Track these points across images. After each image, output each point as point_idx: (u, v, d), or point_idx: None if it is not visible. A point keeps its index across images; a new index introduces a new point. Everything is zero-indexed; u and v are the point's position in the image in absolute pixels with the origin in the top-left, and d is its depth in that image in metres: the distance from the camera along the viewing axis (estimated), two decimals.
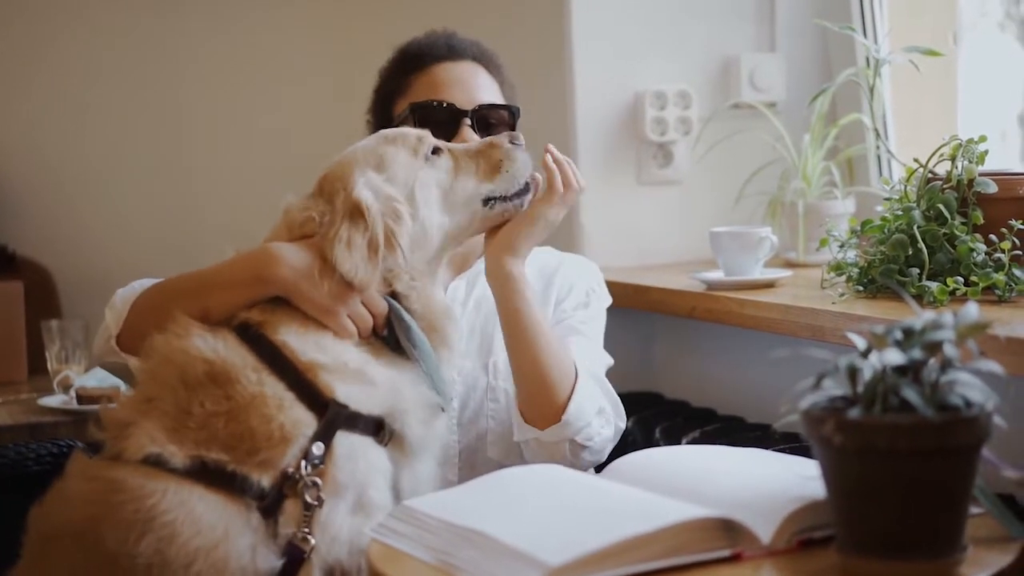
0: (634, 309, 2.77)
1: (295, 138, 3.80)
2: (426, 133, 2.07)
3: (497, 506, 1.66)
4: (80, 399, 2.87)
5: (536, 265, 2.38)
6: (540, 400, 2.08)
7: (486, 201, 2.06)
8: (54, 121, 3.72)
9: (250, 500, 1.81)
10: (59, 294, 3.59)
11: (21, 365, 3.22)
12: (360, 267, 1.91)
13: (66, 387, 2.96)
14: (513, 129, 2.32)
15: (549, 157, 2.12)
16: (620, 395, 2.39)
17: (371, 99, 2.43)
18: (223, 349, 1.87)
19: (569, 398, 2.07)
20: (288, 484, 1.82)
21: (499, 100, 2.34)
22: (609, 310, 2.49)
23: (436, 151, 2.05)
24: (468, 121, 2.28)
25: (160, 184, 3.78)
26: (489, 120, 2.30)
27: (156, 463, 1.80)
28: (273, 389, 1.84)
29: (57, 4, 3.70)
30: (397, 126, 2.34)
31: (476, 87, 2.32)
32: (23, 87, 3.71)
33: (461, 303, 2.29)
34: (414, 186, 2.01)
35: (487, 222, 2.09)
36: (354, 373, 1.89)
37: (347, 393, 1.87)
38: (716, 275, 2.57)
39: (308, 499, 1.82)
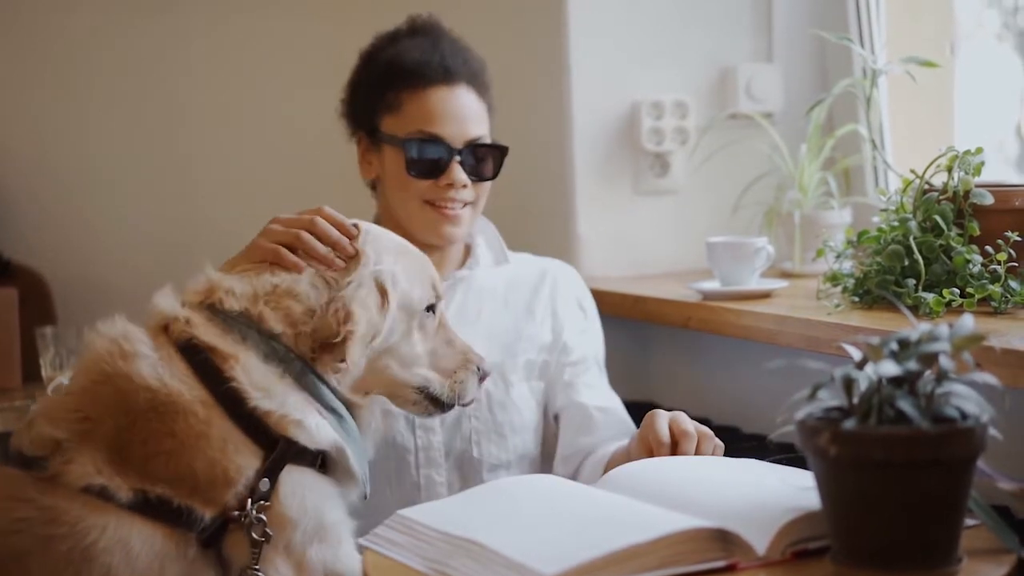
0: (630, 319, 2.77)
1: (294, 141, 3.80)
2: (439, 284, 2.01)
3: (492, 516, 1.66)
4: None
5: (518, 271, 2.41)
6: None
7: (419, 389, 1.97)
8: (49, 126, 3.72)
9: (191, 533, 1.74)
10: (54, 300, 3.58)
11: (15, 372, 3.21)
12: (375, 325, 1.87)
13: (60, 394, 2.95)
14: (498, 167, 2.35)
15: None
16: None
17: (348, 97, 2.42)
18: (169, 377, 1.77)
19: None
20: (232, 520, 1.76)
21: (486, 130, 2.37)
22: (605, 320, 2.50)
23: (431, 308, 1.99)
24: (459, 158, 2.31)
25: (157, 190, 3.78)
26: (478, 157, 2.34)
27: (100, 494, 1.72)
28: (220, 429, 1.76)
29: (53, 5, 3.69)
30: (382, 142, 2.33)
31: (468, 119, 2.33)
32: (19, 91, 3.70)
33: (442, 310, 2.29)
34: (412, 325, 1.96)
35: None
36: (298, 422, 1.80)
37: (297, 434, 1.80)
38: (712, 285, 2.57)
39: (255, 535, 1.75)
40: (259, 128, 3.83)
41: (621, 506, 1.66)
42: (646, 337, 3.03)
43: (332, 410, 1.85)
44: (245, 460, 1.77)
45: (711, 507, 1.62)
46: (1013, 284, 2.10)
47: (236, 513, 1.75)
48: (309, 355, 1.85)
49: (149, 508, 1.73)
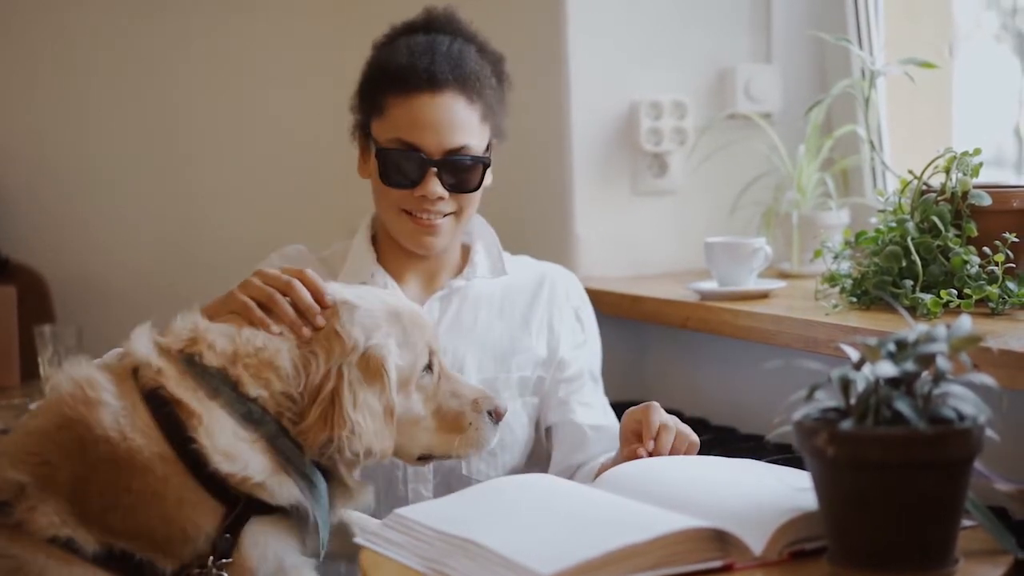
0: (628, 319, 2.77)
1: (294, 141, 3.80)
2: (434, 339, 1.97)
3: (490, 515, 1.66)
4: None
5: (516, 277, 2.38)
6: None
7: (422, 458, 1.97)
8: (47, 126, 3.72)
9: None
10: (52, 299, 3.58)
11: (14, 370, 3.21)
12: (382, 434, 1.84)
13: None
14: (480, 180, 2.28)
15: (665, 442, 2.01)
16: (613, 405, 2.40)
17: (357, 89, 2.37)
18: (130, 429, 1.73)
19: None
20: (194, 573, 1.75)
21: (475, 138, 2.27)
22: (602, 320, 2.50)
23: (429, 366, 1.95)
24: (435, 170, 2.24)
25: (155, 188, 3.78)
26: (457, 168, 2.26)
27: (66, 546, 1.70)
28: (177, 488, 1.73)
29: (52, 6, 3.69)
30: (369, 145, 2.31)
31: (451, 128, 2.25)
32: (17, 92, 3.70)
33: (435, 322, 2.28)
34: (410, 389, 1.92)
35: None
36: (257, 485, 1.77)
37: (259, 492, 1.78)
38: (710, 286, 2.57)
39: None
40: (258, 128, 3.83)
41: (618, 506, 1.66)
42: (644, 337, 3.03)
43: (304, 476, 1.81)
44: (203, 518, 1.75)
45: (708, 507, 1.62)
46: (1011, 285, 2.11)
47: (197, 570, 1.74)
48: (287, 418, 1.82)
49: (113, 561, 1.72)
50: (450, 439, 1.96)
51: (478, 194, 2.30)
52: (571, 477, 2.27)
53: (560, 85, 3.02)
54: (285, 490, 1.79)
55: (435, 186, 2.24)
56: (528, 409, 2.33)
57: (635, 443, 2.01)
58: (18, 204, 3.68)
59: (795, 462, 1.67)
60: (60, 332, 3.03)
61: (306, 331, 1.86)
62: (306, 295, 1.89)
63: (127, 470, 1.72)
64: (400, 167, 2.25)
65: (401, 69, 2.27)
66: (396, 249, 2.35)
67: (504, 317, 2.34)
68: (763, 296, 2.52)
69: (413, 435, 1.94)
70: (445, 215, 2.27)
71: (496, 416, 1.98)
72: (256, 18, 3.82)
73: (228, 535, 1.76)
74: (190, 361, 1.81)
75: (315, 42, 3.81)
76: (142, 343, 1.84)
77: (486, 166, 2.29)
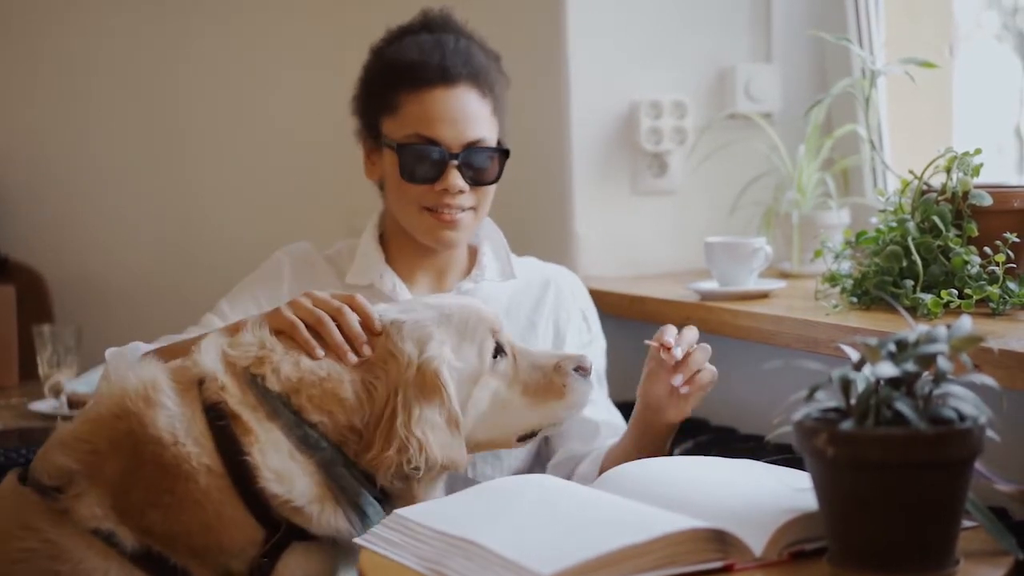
0: (628, 319, 2.77)
1: (294, 141, 3.80)
2: (499, 329, 1.95)
3: (489, 516, 1.66)
4: (71, 404, 2.86)
5: (522, 279, 2.38)
6: None
7: (524, 435, 1.97)
8: (47, 125, 3.72)
9: None
10: (51, 298, 3.58)
11: (12, 370, 3.21)
12: (450, 446, 1.83)
13: (57, 392, 2.95)
14: (499, 171, 2.30)
15: (697, 358, 2.02)
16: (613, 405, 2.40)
17: (357, 93, 2.38)
18: (183, 435, 1.74)
19: None
20: None
21: (490, 131, 2.29)
22: (602, 320, 2.50)
23: (500, 350, 1.94)
24: (455, 162, 2.25)
25: (155, 188, 3.78)
26: (476, 162, 2.27)
27: (107, 539, 1.72)
28: (217, 503, 1.74)
29: (52, 6, 3.69)
30: (382, 144, 2.31)
31: (467, 121, 2.27)
32: (16, 92, 3.70)
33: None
34: (471, 391, 1.90)
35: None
36: (297, 510, 1.77)
37: (303, 522, 1.78)
38: (710, 286, 2.57)
39: None
40: (258, 128, 3.83)
41: (618, 506, 1.66)
42: (644, 337, 3.02)
43: (355, 506, 1.80)
44: (242, 536, 1.76)
45: (708, 507, 1.62)
46: (1011, 285, 2.10)
47: None
48: (351, 449, 1.81)
49: (150, 562, 1.73)
50: (550, 408, 1.95)
51: (494, 189, 2.31)
52: (575, 466, 2.26)
53: (560, 85, 3.02)
54: (325, 519, 1.78)
55: (456, 179, 2.24)
56: None
57: (662, 359, 2.00)
58: (17, 204, 3.68)
59: (795, 462, 1.67)
60: (59, 332, 3.03)
61: (351, 357, 1.84)
62: (355, 322, 1.87)
63: (171, 474, 1.73)
64: (420, 162, 2.25)
65: (413, 65, 2.28)
66: (405, 249, 2.34)
67: (511, 319, 2.33)
68: (763, 296, 2.52)
69: (508, 421, 1.93)
70: (464, 210, 2.27)
71: (583, 371, 1.98)
72: (256, 18, 3.82)
73: (266, 559, 1.76)
74: (254, 380, 1.81)
75: (315, 42, 3.81)
76: (210, 355, 1.84)
77: (505, 156, 2.30)
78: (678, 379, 2.00)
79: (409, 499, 1.84)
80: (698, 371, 2.01)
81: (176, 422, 1.76)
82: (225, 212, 3.80)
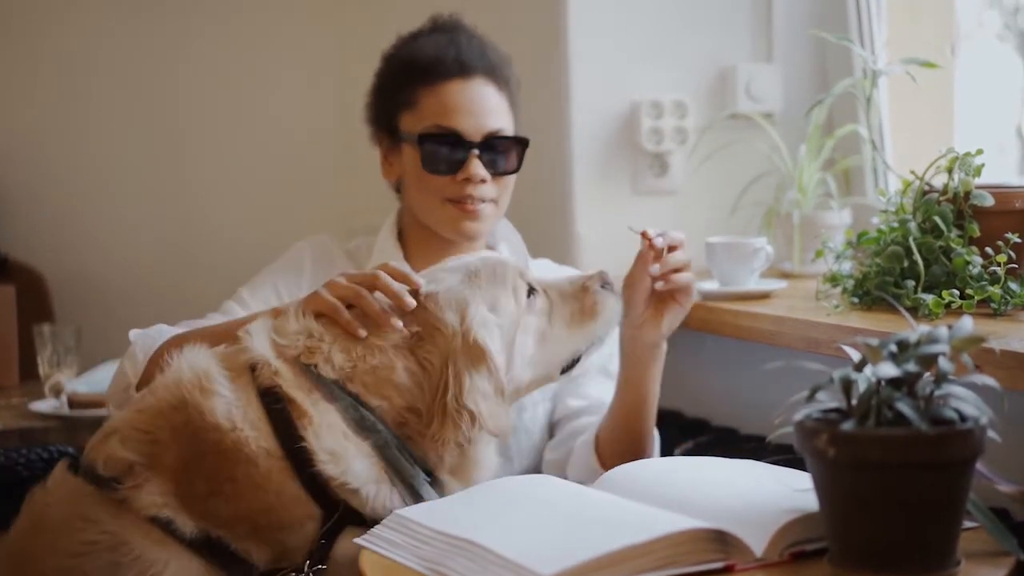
0: None
1: (294, 141, 3.80)
2: (524, 270, 1.96)
3: (490, 516, 1.66)
4: (71, 404, 2.86)
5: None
6: (634, 455, 2.11)
7: (572, 360, 1.98)
8: (47, 125, 3.72)
9: None
10: (52, 298, 3.58)
11: (13, 369, 3.21)
12: (498, 414, 1.82)
13: (57, 392, 2.95)
14: (519, 161, 2.31)
15: (676, 257, 2.07)
16: None
17: (371, 100, 2.40)
18: (240, 420, 1.76)
19: (651, 455, 2.16)
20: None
21: (508, 123, 2.33)
22: None
23: (531, 290, 1.95)
24: (477, 152, 2.27)
25: (155, 188, 3.78)
26: (497, 151, 2.29)
27: (166, 527, 1.73)
28: (278, 484, 1.75)
29: (51, 6, 3.69)
30: (400, 140, 2.31)
31: (486, 112, 2.29)
32: (16, 91, 3.70)
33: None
34: (515, 337, 1.90)
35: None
36: (352, 491, 1.78)
37: (361, 504, 1.79)
38: (711, 286, 2.57)
39: None
40: (258, 128, 3.83)
41: (619, 506, 1.66)
42: None
43: (411, 488, 1.81)
44: (301, 512, 1.77)
45: (709, 508, 1.61)
46: (1013, 286, 2.10)
47: (292, 574, 1.77)
48: (414, 430, 1.82)
49: (209, 548, 1.74)
50: (587, 330, 1.97)
51: (514, 181, 2.31)
52: (569, 452, 2.25)
53: (561, 85, 3.02)
54: (380, 500, 1.79)
55: (478, 168, 2.26)
56: (546, 416, 2.34)
57: (642, 263, 2.05)
58: (18, 203, 3.68)
59: (796, 463, 1.67)
60: (59, 331, 3.04)
61: (396, 323, 1.83)
62: (392, 282, 1.86)
63: (232, 460, 1.74)
64: (441, 153, 2.26)
65: (430, 60, 2.31)
66: (423, 247, 2.35)
67: None
68: (764, 296, 2.51)
69: (551, 355, 1.94)
70: (486, 201, 2.28)
71: (608, 285, 2.00)
72: (256, 18, 3.82)
73: (324, 542, 1.77)
74: (308, 368, 1.81)
75: (316, 42, 3.81)
76: (260, 341, 1.84)
77: (524, 147, 2.31)
78: (655, 268, 2.03)
79: (465, 469, 1.85)
80: (677, 271, 2.04)
81: (233, 408, 1.77)
82: (225, 212, 3.80)
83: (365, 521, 1.77)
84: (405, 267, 1.90)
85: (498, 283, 1.90)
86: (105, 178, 3.74)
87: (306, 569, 1.76)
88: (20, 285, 3.33)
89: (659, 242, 2.04)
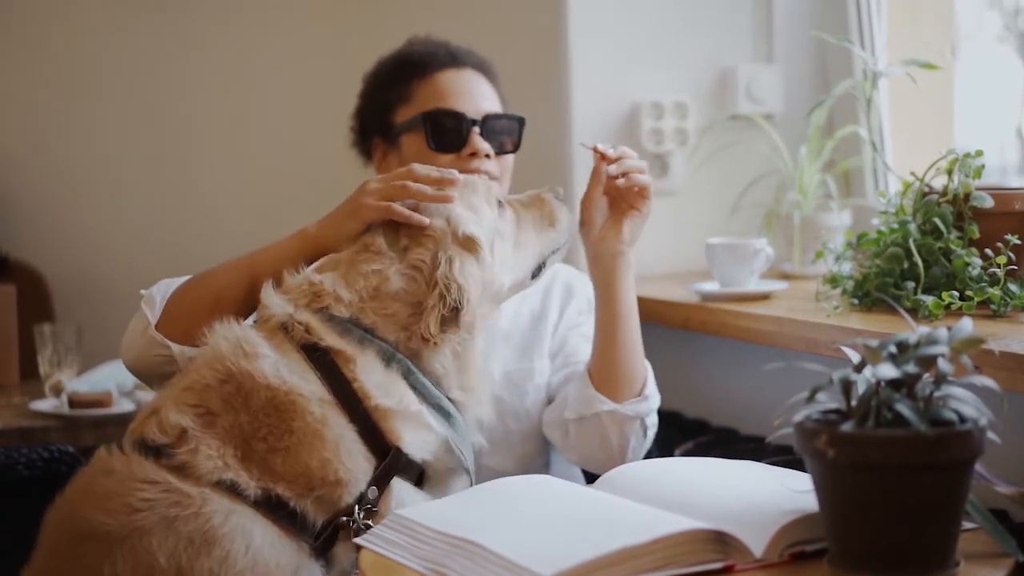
0: None
1: (296, 142, 3.80)
2: (491, 183, 2.10)
3: (490, 516, 1.66)
4: (72, 404, 2.86)
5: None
6: (625, 376, 2.16)
7: (539, 265, 2.10)
8: (49, 125, 3.72)
9: (305, 539, 1.79)
10: (52, 298, 3.58)
11: (13, 369, 3.21)
12: (482, 304, 1.93)
13: (58, 391, 2.95)
14: (519, 139, 2.34)
15: (623, 152, 2.13)
16: None
17: (359, 107, 2.44)
18: (288, 374, 1.82)
19: (646, 379, 2.19)
20: (341, 527, 1.80)
21: (501, 110, 2.37)
22: None
23: (500, 203, 2.06)
24: (478, 130, 2.30)
25: (156, 188, 3.78)
26: (496, 130, 2.33)
27: (231, 489, 1.76)
28: (335, 430, 1.80)
29: (53, 7, 3.69)
30: (399, 134, 2.34)
31: (480, 96, 2.35)
32: (18, 92, 3.70)
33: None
34: (494, 240, 2.00)
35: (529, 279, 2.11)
36: (415, 416, 1.86)
37: (410, 441, 1.85)
38: (711, 286, 2.57)
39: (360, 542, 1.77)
40: (260, 129, 3.83)
41: (619, 507, 1.66)
42: (645, 338, 3.01)
43: (439, 407, 1.89)
44: (355, 464, 1.81)
45: (708, 509, 1.62)
46: (1012, 287, 2.10)
47: (344, 519, 1.80)
48: (412, 347, 1.90)
49: (270, 506, 1.77)
50: (549, 237, 2.09)
51: (513, 162, 2.36)
52: (565, 400, 2.25)
53: (561, 86, 3.02)
54: (428, 444, 1.87)
55: (481, 143, 2.30)
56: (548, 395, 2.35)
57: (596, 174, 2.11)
58: (18, 203, 3.68)
59: (796, 464, 1.67)
60: (60, 331, 3.04)
61: (451, 195, 1.94)
62: (431, 170, 1.97)
63: (288, 412, 1.79)
64: (447, 129, 2.30)
65: (421, 55, 2.37)
66: None
67: (523, 312, 2.38)
68: (764, 297, 2.52)
69: (523, 260, 2.06)
70: (491, 179, 2.30)
71: (560, 196, 2.13)
72: (257, 19, 3.83)
73: (375, 487, 1.82)
74: (326, 313, 1.88)
75: (317, 43, 3.81)
76: (277, 302, 1.90)
77: (522, 125, 2.36)
78: (612, 168, 2.10)
79: (467, 377, 1.94)
80: (633, 173, 2.10)
81: (280, 366, 1.82)
82: (226, 211, 3.80)
83: (413, 469, 1.84)
84: (426, 168, 1.98)
85: (472, 192, 2.00)
86: (106, 178, 3.74)
87: (356, 512, 1.80)
88: (21, 284, 3.33)
89: (611, 152, 2.11)
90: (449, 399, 1.92)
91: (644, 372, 2.20)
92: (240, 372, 1.81)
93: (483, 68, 2.39)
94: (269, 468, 1.77)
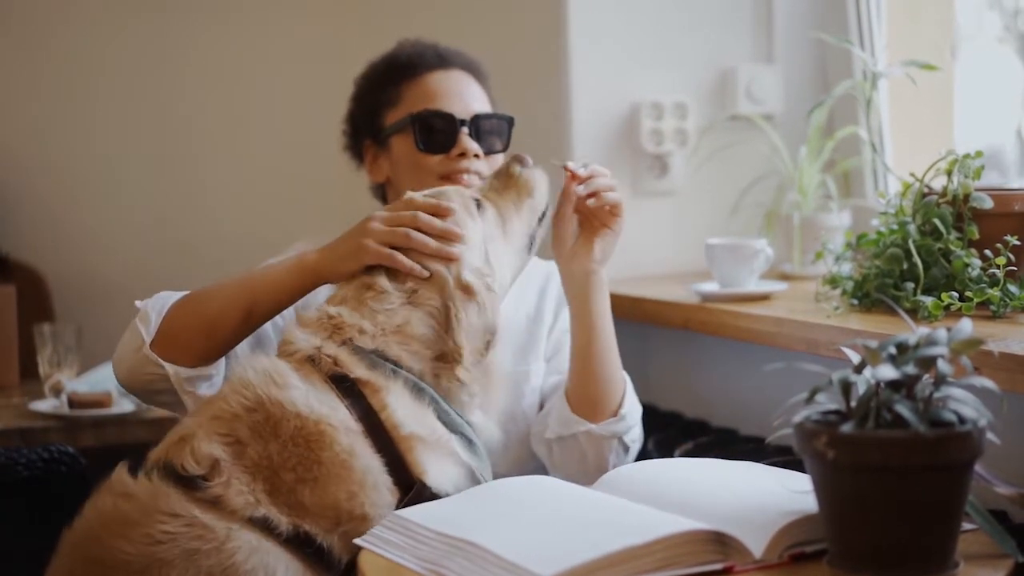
0: (628, 320, 2.77)
1: (295, 140, 3.80)
2: (463, 189, 2.10)
3: (489, 517, 1.66)
4: (72, 404, 2.86)
5: (527, 276, 2.39)
6: (601, 396, 2.15)
7: (531, 241, 2.12)
8: (49, 124, 3.72)
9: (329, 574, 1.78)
10: (52, 298, 3.58)
11: (13, 369, 3.21)
12: (483, 327, 1.94)
13: (57, 391, 2.95)
14: (508, 139, 2.35)
15: (594, 170, 2.15)
16: None
17: (350, 110, 2.44)
18: (317, 404, 1.81)
19: (623, 397, 2.16)
20: None
21: (491, 110, 2.38)
22: None
23: (478, 204, 2.06)
24: (467, 130, 2.31)
25: (155, 187, 3.78)
26: (486, 130, 2.34)
27: (262, 525, 1.74)
28: (363, 460, 1.80)
29: (53, 5, 3.69)
30: (388, 136, 2.34)
31: (470, 96, 2.35)
32: (17, 90, 3.70)
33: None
34: (488, 251, 2.02)
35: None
36: (444, 446, 1.86)
37: (434, 474, 1.84)
38: (711, 287, 2.57)
39: None
40: (260, 128, 3.83)
41: (618, 508, 1.66)
42: (645, 339, 3.02)
43: (462, 434, 1.90)
44: (380, 498, 1.80)
45: (708, 509, 1.62)
46: (1012, 288, 2.10)
47: None
48: (440, 383, 1.91)
49: (299, 543, 1.76)
50: (530, 207, 2.10)
51: (501, 162, 2.34)
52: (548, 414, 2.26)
53: (561, 86, 3.02)
54: (450, 479, 1.86)
55: (470, 143, 2.30)
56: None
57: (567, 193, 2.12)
58: (18, 202, 3.68)
59: (795, 464, 1.67)
60: (59, 331, 3.04)
61: (453, 252, 1.95)
62: (435, 221, 1.97)
63: (317, 442, 1.78)
64: (436, 130, 2.30)
65: (409, 57, 2.37)
66: None
67: (519, 314, 2.37)
68: (764, 298, 2.52)
69: (517, 241, 2.09)
70: (481, 179, 2.31)
71: (526, 162, 2.13)
72: (257, 19, 3.82)
73: None
74: (350, 345, 1.88)
75: (317, 43, 3.81)
76: (301, 337, 1.90)
77: (511, 125, 2.37)
78: (581, 188, 2.11)
79: (488, 393, 1.96)
80: (603, 192, 2.12)
81: (309, 396, 1.82)
82: (226, 211, 3.80)
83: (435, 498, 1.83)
84: (427, 199, 2.00)
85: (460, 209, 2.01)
86: (106, 177, 3.74)
87: None
88: (21, 284, 3.33)
89: (582, 171, 2.12)
90: (468, 424, 1.93)
91: (622, 390, 2.17)
92: (270, 401, 1.80)
93: (472, 69, 2.39)
94: (297, 501, 1.76)
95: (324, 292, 2.04)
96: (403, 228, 1.95)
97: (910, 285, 2.15)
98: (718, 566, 1.54)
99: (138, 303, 2.06)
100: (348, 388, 1.84)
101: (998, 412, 1.48)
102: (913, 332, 1.50)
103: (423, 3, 3.53)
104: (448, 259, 1.94)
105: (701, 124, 3.03)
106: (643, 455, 2.50)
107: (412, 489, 1.81)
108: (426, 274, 1.93)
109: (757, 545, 1.54)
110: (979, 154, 2.20)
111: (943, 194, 2.21)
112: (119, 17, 3.73)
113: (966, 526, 1.55)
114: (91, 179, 3.73)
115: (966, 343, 1.47)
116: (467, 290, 1.93)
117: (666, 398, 2.96)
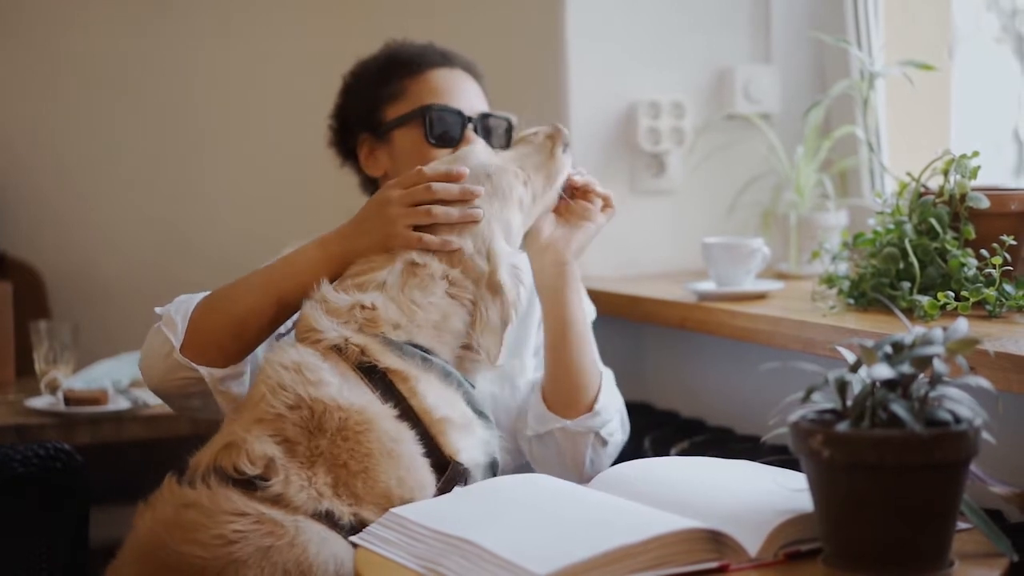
0: (625, 319, 2.77)
1: (294, 139, 3.80)
2: (506, 167, 2.07)
3: (485, 515, 1.66)
4: (68, 401, 2.86)
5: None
6: (575, 391, 2.14)
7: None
8: (45, 123, 3.72)
9: None
10: (48, 295, 3.58)
11: (9, 366, 3.20)
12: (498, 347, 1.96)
13: (53, 389, 2.95)
14: (508, 140, 2.36)
15: (588, 180, 2.16)
16: None
17: (340, 105, 2.44)
18: (355, 397, 1.82)
19: (598, 392, 2.15)
20: None
21: (490, 110, 2.39)
22: (600, 319, 2.49)
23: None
24: (473, 127, 2.33)
25: (153, 185, 3.78)
26: (489, 128, 2.36)
27: (327, 518, 1.75)
28: (408, 446, 1.82)
29: (53, 7, 3.69)
30: (390, 130, 2.34)
31: (472, 95, 2.37)
32: (16, 90, 3.70)
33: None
34: (525, 223, 2.08)
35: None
36: (469, 426, 1.89)
37: (467, 453, 1.86)
38: (708, 286, 2.57)
39: None
40: (257, 127, 3.83)
41: (614, 506, 1.66)
42: (641, 337, 3.03)
43: (481, 413, 1.93)
44: (426, 479, 1.82)
45: (704, 508, 1.62)
46: (1008, 288, 2.10)
47: None
48: (462, 368, 1.95)
49: (358, 532, 1.76)
50: (555, 181, 2.11)
51: None
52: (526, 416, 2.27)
53: (559, 84, 3.02)
54: (477, 452, 1.89)
55: (476, 140, 2.29)
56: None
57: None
58: (15, 200, 3.68)
59: (791, 463, 1.67)
60: (56, 328, 3.03)
61: (476, 212, 1.96)
62: (451, 187, 1.98)
63: (362, 433, 1.79)
64: (447, 123, 2.31)
65: (412, 54, 2.38)
66: None
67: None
68: (761, 297, 2.52)
69: (546, 203, 2.12)
70: None
71: (558, 139, 2.13)
72: (259, 20, 3.83)
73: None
74: (382, 337, 1.89)
75: (317, 44, 3.81)
76: (328, 325, 1.89)
77: (511, 126, 2.39)
78: (578, 177, 2.14)
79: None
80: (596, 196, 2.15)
81: (344, 390, 1.82)
82: (223, 209, 3.80)
83: (467, 477, 1.86)
84: (443, 167, 2.00)
85: (507, 203, 2.03)
86: (102, 175, 3.74)
87: None
88: (17, 282, 3.32)
89: (578, 179, 2.14)
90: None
91: (597, 384, 2.17)
92: (309, 397, 1.81)
93: (470, 69, 2.40)
94: (353, 492, 1.77)
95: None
96: (422, 206, 1.95)
97: (906, 284, 2.16)
98: (714, 565, 1.54)
99: (158, 309, 2.03)
100: (377, 379, 1.85)
101: (994, 412, 1.49)
102: (909, 331, 1.50)
103: (422, 8, 3.53)
104: (474, 221, 1.96)
105: (698, 123, 3.03)
106: (639, 454, 2.51)
107: (448, 469, 1.84)
108: (457, 245, 1.94)
109: (752, 544, 1.55)
110: (976, 154, 2.20)
111: (940, 194, 2.21)
112: (120, 18, 3.73)
113: (961, 525, 1.56)
114: (88, 177, 3.73)
115: (962, 343, 1.47)
116: (497, 289, 1.95)
117: (662, 397, 2.96)
